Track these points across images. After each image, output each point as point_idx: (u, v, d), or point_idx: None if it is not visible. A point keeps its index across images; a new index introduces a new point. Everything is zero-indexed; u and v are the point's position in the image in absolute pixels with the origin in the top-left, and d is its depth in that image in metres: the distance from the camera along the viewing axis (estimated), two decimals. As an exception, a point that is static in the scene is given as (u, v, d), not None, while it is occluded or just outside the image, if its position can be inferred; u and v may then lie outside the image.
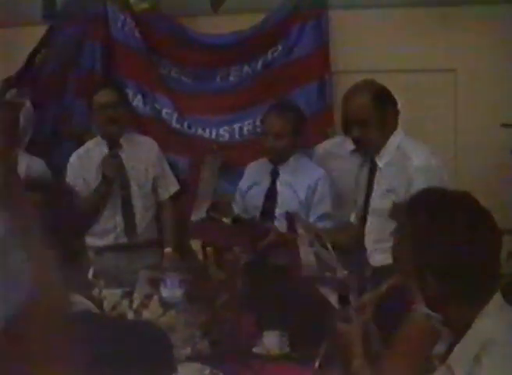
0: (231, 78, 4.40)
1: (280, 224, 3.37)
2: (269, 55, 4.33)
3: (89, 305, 1.49)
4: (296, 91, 4.25)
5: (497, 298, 1.65)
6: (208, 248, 3.01)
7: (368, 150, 3.10)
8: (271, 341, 2.73)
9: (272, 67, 4.33)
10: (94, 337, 1.41)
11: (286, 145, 3.50)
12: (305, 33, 4.26)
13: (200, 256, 3.06)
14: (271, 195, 3.52)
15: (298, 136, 3.53)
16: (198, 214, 3.45)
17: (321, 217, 3.47)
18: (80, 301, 1.46)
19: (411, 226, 1.68)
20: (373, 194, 3.11)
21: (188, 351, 2.61)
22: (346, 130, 3.14)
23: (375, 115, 2.99)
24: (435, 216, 1.65)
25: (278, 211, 3.47)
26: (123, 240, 3.77)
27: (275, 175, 3.55)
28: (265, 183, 3.55)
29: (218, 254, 2.96)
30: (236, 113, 4.32)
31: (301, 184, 3.49)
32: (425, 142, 3.20)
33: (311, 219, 3.47)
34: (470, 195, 1.71)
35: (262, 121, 3.59)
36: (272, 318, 2.79)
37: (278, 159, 3.54)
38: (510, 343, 1.60)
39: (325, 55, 4.25)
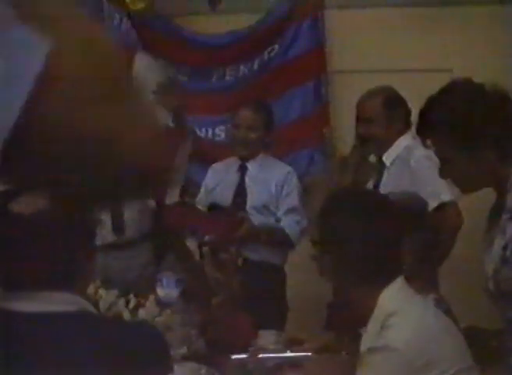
0: (227, 78, 4.40)
1: (252, 218, 3.43)
2: (265, 55, 4.34)
3: (85, 304, 1.49)
4: (293, 90, 4.26)
5: (399, 280, 1.86)
6: (205, 248, 3.01)
7: (370, 145, 3.28)
8: (267, 341, 2.73)
9: (268, 67, 4.34)
10: (89, 336, 1.41)
11: (258, 138, 3.50)
12: (301, 33, 4.27)
13: (197, 256, 3.06)
14: (240, 191, 3.53)
15: (268, 133, 3.54)
16: (171, 198, 3.46)
17: (290, 211, 3.50)
18: (76, 301, 1.46)
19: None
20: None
21: (184, 350, 2.61)
22: (356, 127, 3.34)
23: (382, 114, 3.20)
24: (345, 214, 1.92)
25: (249, 205, 3.48)
26: (113, 238, 3.73)
27: (243, 170, 3.55)
28: (234, 179, 3.56)
29: (214, 253, 2.96)
30: (232, 113, 4.33)
31: (270, 179, 3.52)
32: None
33: (280, 213, 3.50)
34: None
35: (233, 116, 3.59)
36: (268, 317, 2.79)
37: (248, 153, 3.53)
38: (409, 314, 1.80)
39: (321, 55, 4.26)
